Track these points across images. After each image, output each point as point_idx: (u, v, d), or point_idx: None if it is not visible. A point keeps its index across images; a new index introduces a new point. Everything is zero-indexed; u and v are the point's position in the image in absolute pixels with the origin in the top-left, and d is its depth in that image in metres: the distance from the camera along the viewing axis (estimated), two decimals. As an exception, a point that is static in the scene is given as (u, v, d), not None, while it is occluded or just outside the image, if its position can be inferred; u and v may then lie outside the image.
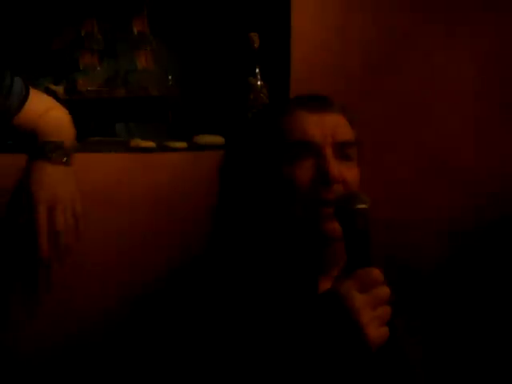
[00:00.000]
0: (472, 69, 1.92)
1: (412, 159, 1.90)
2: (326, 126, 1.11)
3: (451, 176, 1.91)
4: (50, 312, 1.52)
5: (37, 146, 1.32)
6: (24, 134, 1.37)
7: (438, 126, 1.91)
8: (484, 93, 1.93)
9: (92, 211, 1.55)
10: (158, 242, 1.63)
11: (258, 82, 1.86)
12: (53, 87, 2.12)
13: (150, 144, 1.79)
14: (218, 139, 1.82)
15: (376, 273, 0.96)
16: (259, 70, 1.86)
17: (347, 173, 1.10)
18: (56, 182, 1.29)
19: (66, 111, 1.43)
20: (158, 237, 1.63)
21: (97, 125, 2.14)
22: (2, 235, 1.30)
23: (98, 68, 2.19)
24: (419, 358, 1.13)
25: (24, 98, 1.38)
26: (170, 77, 2.12)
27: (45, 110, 1.39)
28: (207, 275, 1.10)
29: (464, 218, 1.90)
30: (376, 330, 0.93)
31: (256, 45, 1.87)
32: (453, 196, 1.91)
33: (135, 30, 2.13)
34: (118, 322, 1.36)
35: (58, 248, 1.28)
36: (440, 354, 1.18)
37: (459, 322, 1.29)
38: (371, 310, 0.93)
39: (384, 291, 0.95)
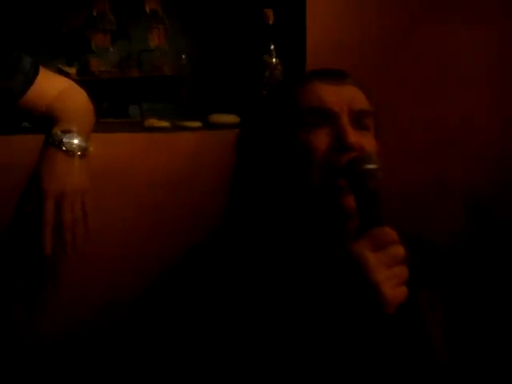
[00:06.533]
0: (488, 46, 1.89)
1: (427, 134, 1.89)
2: (343, 96, 1.11)
3: (466, 149, 1.90)
4: (64, 295, 1.53)
5: (51, 133, 1.26)
6: (38, 118, 1.33)
7: (453, 101, 1.89)
8: (500, 68, 1.90)
9: (107, 192, 1.54)
10: (173, 222, 1.62)
11: (273, 60, 1.83)
12: (65, 68, 2.12)
13: (165, 124, 1.78)
14: (233, 118, 1.81)
15: (389, 232, 0.94)
16: (274, 47, 1.84)
17: (364, 141, 1.09)
18: (67, 174, 1.24)
19: (83, 91, 1.38)
20: (174, 217, 1.62)
21: (110, 106, 2.13)
22: (11, 222, 1.27)
23: (111, 49, 2.17)
24: (440, 331, 1.12)
25: (30, 79, 1.31)
26: (183, 55, 2.10)
27: (58, 92, 1.34)
28: (225, 250, 1.09)
29: (478, 190, 1.88)
30: (392, 289, 0.91)
31: (271, 21, 1.85)
32: (467, 170, 1.89)
33: (148, 9, 2.11)
34: (134, 294, 1.35)
35: (63, 243, 1.24)
36: (460, 329, 1.17)
37: (478, 295, 1.28)
38: (386, 268, 0.92)
39: (399, 250, 0.94)
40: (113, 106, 2.13)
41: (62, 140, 1.25)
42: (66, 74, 2.01)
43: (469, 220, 1.88)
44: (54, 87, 1.35)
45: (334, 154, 1.06)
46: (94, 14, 2.13)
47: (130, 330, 1.31)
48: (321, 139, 1.07)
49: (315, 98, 1.10)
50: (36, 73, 1.33)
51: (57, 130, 1.26)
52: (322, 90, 1.10)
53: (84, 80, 2.05)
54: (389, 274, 0.92)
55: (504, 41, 1.90)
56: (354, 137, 1.06)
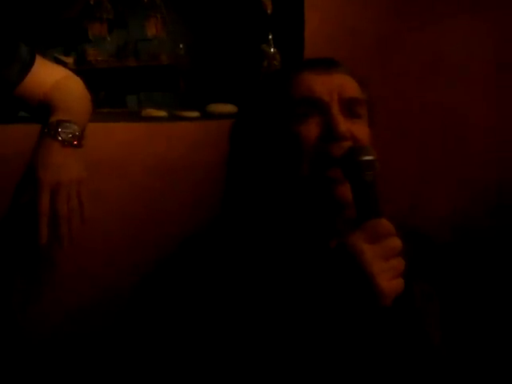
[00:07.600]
0: (484, 37, 1.89)
1: (422, 126, 1.88)
2: (333, 84, 1.10)
3: (462, 142, 1.89)
4: (61, 285, 1.53)
5: (47, 123, 1.25)
6: (35, 107, 1.32)
7: (448, 93, 1.89)
8: (496, 60, 1.90)
9: (103, 181, 1.54)
10: (169, 211, 1.62)
11: (271, 49, 1.83)
12: (62, 58, 2.11)
13: (162, 113, 1.78)
14: (230, 108, 1.80)
15: (386, 224, 0.94)
16: (272, 37, 1.84)
17: (356, 130, 1.08)
18: (62, 164, 1.23)
19: (80, 81, 1.37)
20: (172, 207, 1.62)
21: (107, 95, 2.12)
22: (7, 213, 1.27)
23: (108, 38, 2.16)
24: (437, 323, 1.13)
25: (26, 67, 1.31)
26: (181, 45, 2.09)
27: (55, 81, 1.34)
28: (220, 241, 1.09)
29: (475, 184, 1.88)
30: (388, 282, 0.91)
31: (269, 11, 1.85)
32: (464, 164, 1.89)
33: (145, -2, 2.10)
34: (131, 284, 1.35)
35: (59, 233, 1.23)
36: (457, 321, 1.17)
37: (474, 287, 1.28)
38: (382, 260, 0.92)
39: (395, 242, 0.94)
40: (110, 96, 2.12)
41: (58, 130, 1.24)
42: (63, 64, 2.00)
43: (465, 212, 1.88)
44: (51, 76, 1.34)
45: (324, 143, 1.06)
46: (91, 2, 2.11)
47: (126, 322, 1.31)
48: (311, 129, 1.07)
49: (305, 88, 1.10)
50: (33, 61, 1.33)
51: (53, 120, 1.25)
52: (311, 79, 1.10)
53: (81, 69, 2.04)
54: (385, 266, 0.92)
55: (499, 32, 1.89)
56: (344, 125, 1.06)
